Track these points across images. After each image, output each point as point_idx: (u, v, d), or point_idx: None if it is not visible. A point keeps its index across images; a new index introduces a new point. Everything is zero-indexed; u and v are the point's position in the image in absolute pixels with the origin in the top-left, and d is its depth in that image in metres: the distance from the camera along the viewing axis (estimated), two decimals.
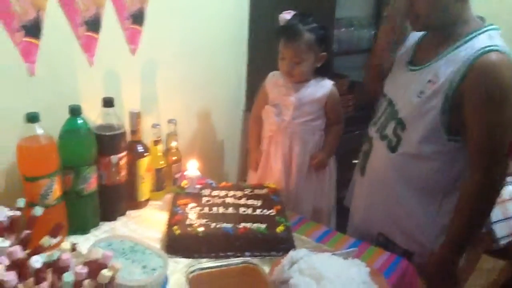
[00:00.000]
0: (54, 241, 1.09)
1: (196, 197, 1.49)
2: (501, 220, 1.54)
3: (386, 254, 1.39)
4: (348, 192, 1.75)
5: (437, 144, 1.35)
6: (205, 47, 1.88)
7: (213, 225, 1.34)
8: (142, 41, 1.59)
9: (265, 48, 2.08)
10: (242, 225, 1.34)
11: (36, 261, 0.91)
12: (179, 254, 1.29)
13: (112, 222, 1.43)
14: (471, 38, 1.31)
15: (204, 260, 1.27)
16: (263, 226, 1.35)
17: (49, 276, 0.94)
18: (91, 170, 1.32)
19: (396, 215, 1.47)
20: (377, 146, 1.51)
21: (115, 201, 1.43)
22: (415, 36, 1.50)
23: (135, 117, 1.45)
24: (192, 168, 1.54)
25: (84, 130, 1.29)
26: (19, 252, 0.94)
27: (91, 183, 1.33)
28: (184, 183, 1.55)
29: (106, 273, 0.93)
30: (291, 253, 1.22)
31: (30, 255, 1.00)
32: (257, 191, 1.56)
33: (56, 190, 1.24)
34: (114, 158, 1.37)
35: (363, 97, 2.05)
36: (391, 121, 1.45)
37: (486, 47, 1.26)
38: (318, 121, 1.69)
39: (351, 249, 1.32)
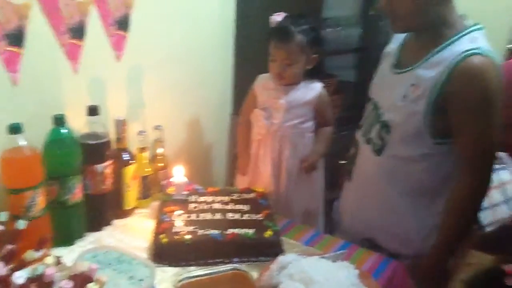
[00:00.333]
0: (38, 254, 1.08)
1: (183, 203, 1.48)
2: (486, 208, 1.56)
3: (374, 256, 1.39)
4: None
5: (422, 147, 1.35)
6: (190, 52, 1.87)
7: (200, 232, 1.33)
8: (127, 47, 1.58)
9: (251, 51, 2.07)
10: (230, 231, 1.33)
11: (20, 277, 0.91)
12: (166, 262, 1.27)
13: (98, 232, 1.41)
14: (453, 41, 1.29)
15: (192, 268, 1.26)
16: (251, 231, 1.34)
17: None
18: (76, 180, 1.30)
19: (383, 218, 1.46)
20: (362, 150, 1.51)
21: (100, 210, 1.42)
22: (399, 38, 1.49)
23: (121, 125, 1.44)
24: (179, 174, 1.53)
25: (69, 139, 1.28)
26: (1, 268, 0.92)
27: (76, 193, 1.31)
28: (170, 189, 1.54)
29: (92, 286, 0.92)
30: (280, 258, 1.22)
31: (13, 270, 0.99)
32: (244, 196, 1.55)
33: (40, 201, 1.23)
34: (99, 167, 1.36)
35: None
36: (376, 124, 1.44)
37: (468, 50, 1.25)
38: (308, 124, 1.69)
39: (340, 251, 1.32)
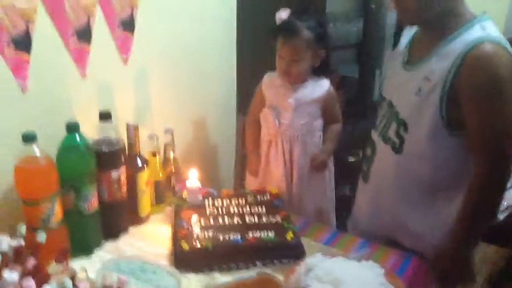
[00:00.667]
0: (61, 267, 1.05)
1: (199, 208, 1.45)
2: None
3: (396, 253, 1.38)
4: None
5: (441, 141, 1.33)
6: (193, 51, 1.84)
7: (221, 237, 1.31)
8: (133, 49, 1.54)
9: (254, 48, 2.06)
10: (250, 234, 1.32)
11: None
12: (189, 269, 1.25)
13: (115, 240, 1.37)
14: (463, 31, 1.28)
15: (216, 273, 1.24)
16: (272, 234, 1.33)
17: None
18: (92, 188, 1.27)
19: (404, 216, 1.44)
20: (380, 149, 1.48)
21: (117, 218, 1.39)
22: (407, 36, 1.48)
23: (133, 130, 1.40)
24: (193, 178, 1.50)
25: (83, 147, 1.24)
26: (32, 284, 0.89)
27: (92, 201, 1.28)
28: (185, 194, 1.51)
29: None
30: (306, 260, 1.20)
31: (38, 285, 0.96)
32: (259, 198, 1.53)
33: (57, 212, 1.19)
34: (114, 173, 1.32)
35: None
36: (393, 122, 1.43)
37: (478, 38, 1.24)
38: (317, 122, 1.67)
39: (364, 251, 1.31)
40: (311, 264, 1.18)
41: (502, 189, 1.32)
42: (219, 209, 1.46)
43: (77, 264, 1.18)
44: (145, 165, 1.44)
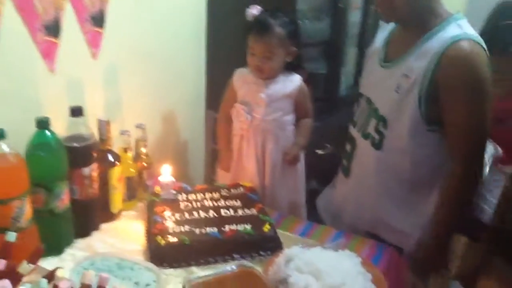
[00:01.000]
0: (32, 267, 1.01)
1: (173, 203, 1.43)
2: None
3: (370, 243, 1.41)
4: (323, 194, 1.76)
5: (420, 137, 1.36)
6: (163, 47, 1.82)
7: (197, 231, 1.30)
8: (103, 44, 1.50)
9: (224, 45, 2.04)
10: (227, 227, 1.31)
11: None
12: (166, 265, 1.23)
13: (87, 238, 1.34)
14: (441, 29, 1.31)
15: (194, 268, 1.23)
16: (249, 226, 1.33)
17: None
18: (63, 186, 1.23)
19: (385, 212, 1.47)
20: (361, 145, 1.50)
21: (89, 215, 1.35)
22: (384, 33, 1.51)
23: (104, 125, 1.37)
24: (166, 173, 1.48)
25: (54, 143, 1.19)
26: (8, 285, 0.85)
27: (64, 199, 1.24)
28: (157, 189, 1.49)
29: None
30: (285, 251, 1.21)
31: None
32: (233, 191, 1.53)
33: (28, 211, 1.14)
34: (86, 170, 1.28)
35: None
36: (372, 119, 1.45)
37: (456, 36, 1.28)
38: (289, 116, 1.68)
39: (339, 240, 1.33)
40: (291, 255, 1.19)
41: (476, 182, 1.37)
42: (193, 203, 1.44)
43: (48, 263, 1.15)
44: (117, 161, 1.40)
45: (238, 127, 1.69)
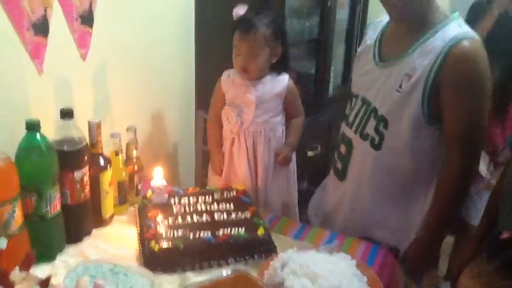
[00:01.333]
0: (24, 274, 0.99)
1: (165, 207, 1.41)
2: None
3: (363, 244, 1.41)
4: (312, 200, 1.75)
5: (421, 135, 1.36)
6: (153, 47, 1.81)
7: (191, 235, 1.28)
8: (91, 44, 1.48)
9: (212, 44, 2.04)
10: (221, 232, 1.30)
11: None
12: (160, 270, 1.21)
13: (78, 243, 1.31)
14: (441, 27, 1.32)
15: (188, 273, 1.22)
16: (243, 230, 1.31)
17: None
18: (54, 190, 1.20)
19: (381, 212, 1.47)
20: (358, 147, 1.49)
21: (80, 220, 1.32)
22: (375, 31, 1.50)
23: (95, 128, 1.34)
24: (158, 176, 1.46)
25: (45, 146, 1.17)
26: None
27: (55, 204, 1.21)
28: (149, 193, 1.47)
29: None
30: (280, 255, 1.20)
31: None
32: (226, 194, 1.51)
33: (18, 216, 1.12)
34: (78, 174, 1.26)
35: None
36: (371, 119, 1.43)
37: (458, 35, 1.28)
38: (279, 117, 1.67)
39: (334, 243, 1.33)
40: (286, 258, 1.18)
41: (472, 178, 1.38)
42: (186, 207, 1.42)
43: (40, 270, 1.13)
44: (108, 165, 1.38)
45: (228, 129, 1.67)
